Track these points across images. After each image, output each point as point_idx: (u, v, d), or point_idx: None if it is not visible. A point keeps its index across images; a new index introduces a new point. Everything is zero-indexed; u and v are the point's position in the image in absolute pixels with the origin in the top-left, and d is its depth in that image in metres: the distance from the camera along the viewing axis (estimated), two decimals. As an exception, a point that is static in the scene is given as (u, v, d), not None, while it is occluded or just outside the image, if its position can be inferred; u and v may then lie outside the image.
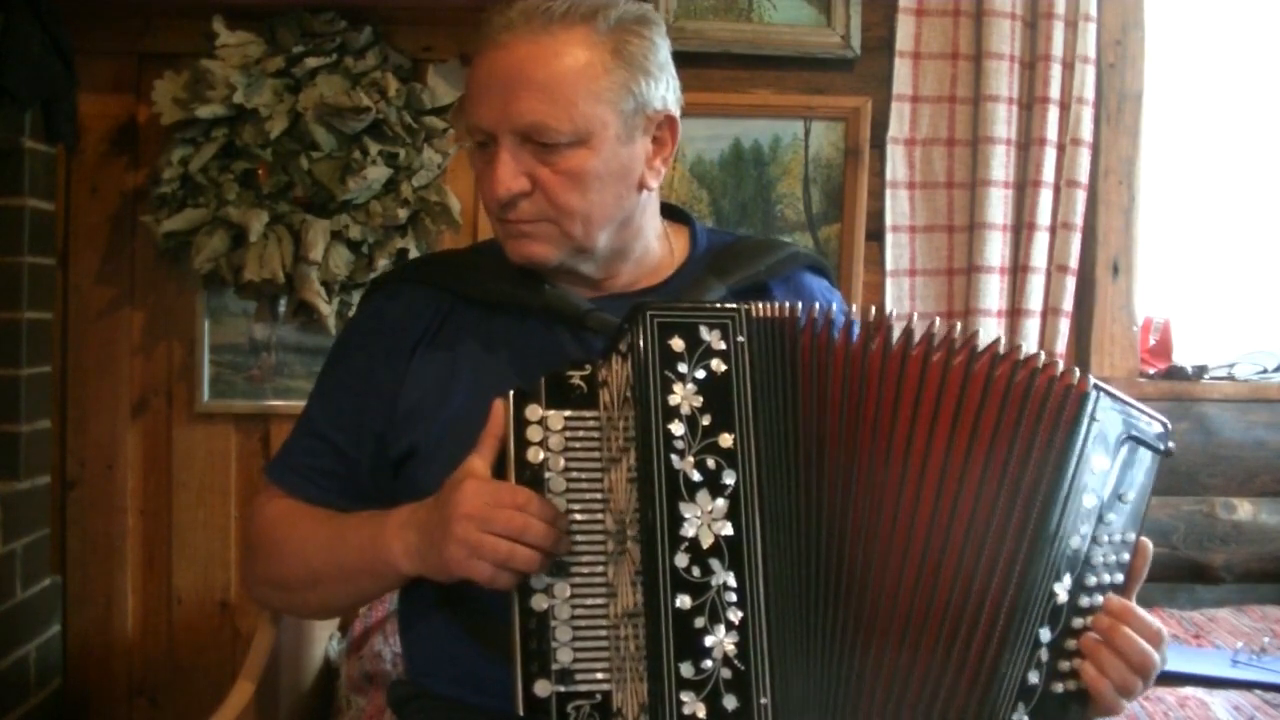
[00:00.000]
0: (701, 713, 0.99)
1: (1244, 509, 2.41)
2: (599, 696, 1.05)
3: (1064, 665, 1.05)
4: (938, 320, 1.15)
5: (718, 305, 1.11)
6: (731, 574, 1.02)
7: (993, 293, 2.26)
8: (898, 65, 2.30)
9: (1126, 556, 1.08)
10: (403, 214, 2.14)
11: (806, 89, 2.32)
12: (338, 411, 1.32)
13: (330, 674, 1.97)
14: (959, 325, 1.13)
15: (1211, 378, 2.42)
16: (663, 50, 1.25)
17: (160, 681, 2.29)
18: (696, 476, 1.03)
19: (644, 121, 1.23)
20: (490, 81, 1.19)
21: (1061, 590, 1.04)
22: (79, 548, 2.27)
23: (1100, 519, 1.06)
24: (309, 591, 1.29)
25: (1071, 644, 1.05)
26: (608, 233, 1.25)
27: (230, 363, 2.26)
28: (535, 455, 1.09)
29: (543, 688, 1.04)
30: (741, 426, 1.05)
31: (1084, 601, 1.05)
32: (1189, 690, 1.83)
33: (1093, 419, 1.04)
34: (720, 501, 1.03)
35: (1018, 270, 2.29)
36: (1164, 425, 1.10)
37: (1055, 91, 2.25)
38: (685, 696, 0.99)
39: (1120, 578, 1.08)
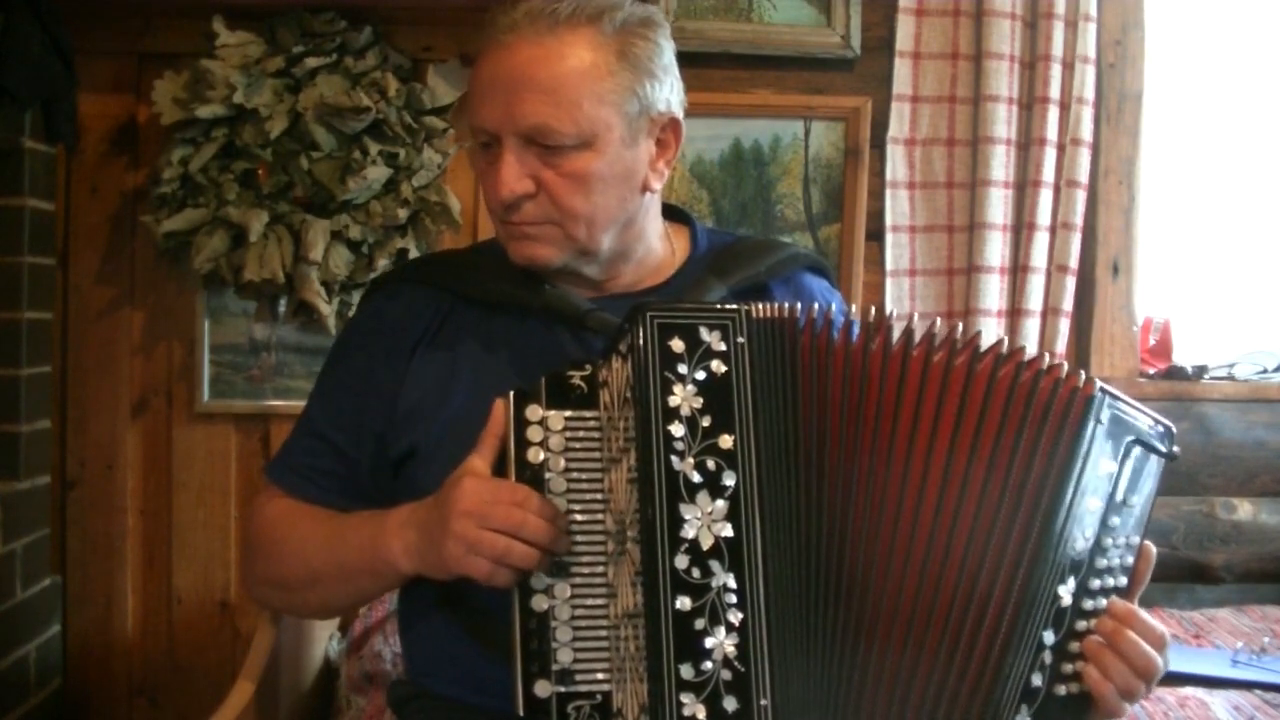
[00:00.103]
0: (701, 714, 0.99)
1: (1244, 509, 2.41)
2: (599, 697, 1.05)
3: (1067, 668, 1.04)
4: (938, 321, 1.15)
5: (718, 306, 1.10)
6: (731, 575, 1.02)
7: (993, 293, 2.26)
8: (898, 65, 2.29)
9: (1130, 560, 1.08)
10: (403, 214, 2.14)
11: (806, 89, 2.32)
12: (338, 411, 1.32)
13: (330, 674, 1.97)
14: (960, 326, 1.13)
15: (1211, 378, 2.42)
16: (667, 53, 1.25)
17: (160, 681, 2.29)
18: (696, 478, 1.03)
19: (648, 124, 1.23)
20: (494, 82, 1.19)
21: (1065, 593, 1.04)
22: (79, 548, 2.27)
23: (1104, 522, 1.05)
24: (309, 591, 1.29)
25: (1075, 646, 1.05)
26: (611, 235, 1.25)
27: (230, 363, 2.26)
28: (535, 455, 1.09)
29: (543, 688, 1.04)
30: (741, 428, 1.05)
31: (1088, 604, 1.05)
32: (1189, 690, 1.83)
33: (1098, 422, 1.04)
34: (720, 503, 1.03)
35: (1018, 270, 2.28)
36: (1169, 429, 1.10)
37: (1055, 91, 2.25)
38: (685, 698, 0.99)
39: (1124, 581, 1.08)
